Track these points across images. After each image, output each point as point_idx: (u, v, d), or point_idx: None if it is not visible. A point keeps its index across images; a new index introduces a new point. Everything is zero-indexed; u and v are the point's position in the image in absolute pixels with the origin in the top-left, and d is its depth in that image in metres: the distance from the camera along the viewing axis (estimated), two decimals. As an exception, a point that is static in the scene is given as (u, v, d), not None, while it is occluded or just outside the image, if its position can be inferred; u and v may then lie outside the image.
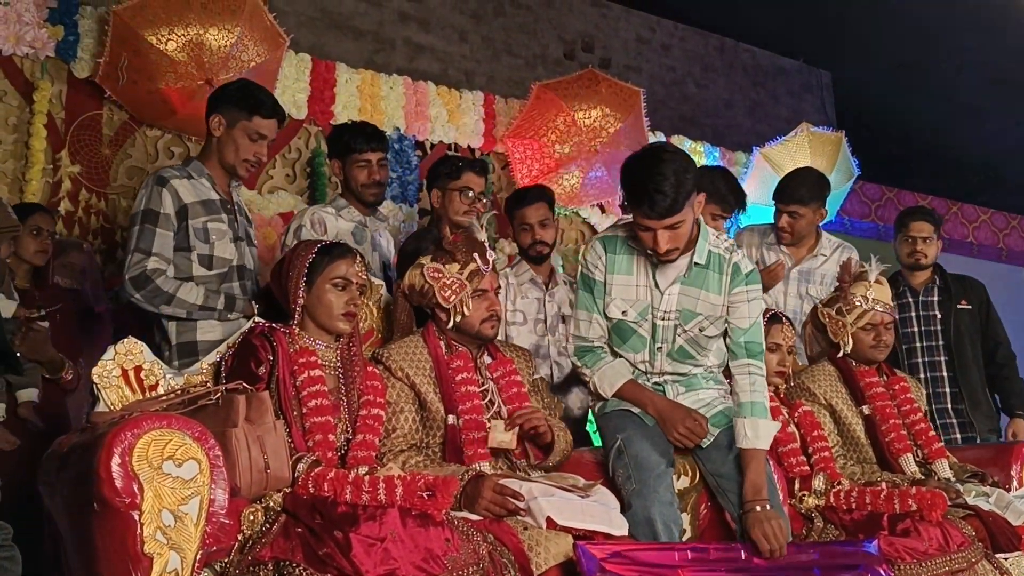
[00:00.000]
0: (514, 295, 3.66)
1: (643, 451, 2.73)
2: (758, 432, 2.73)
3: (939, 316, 4.42)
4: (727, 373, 2.96)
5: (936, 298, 4.46)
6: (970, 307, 4.46)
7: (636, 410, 2.87)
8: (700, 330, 2.85)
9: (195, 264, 3.02)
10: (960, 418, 4.38)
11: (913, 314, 4.47)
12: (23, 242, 3.57)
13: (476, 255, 2.79)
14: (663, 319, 2.87)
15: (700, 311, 2.85)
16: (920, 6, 7.35)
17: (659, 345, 2.89)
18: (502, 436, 2.63)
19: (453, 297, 2.75)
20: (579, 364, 2.99)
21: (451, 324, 2.77)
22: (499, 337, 3.40)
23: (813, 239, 4.14)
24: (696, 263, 2.82)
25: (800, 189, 4.03)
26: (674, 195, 2.62)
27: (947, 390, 4.39)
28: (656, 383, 2.94)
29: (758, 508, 2.62)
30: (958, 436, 4.33)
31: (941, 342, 4.41)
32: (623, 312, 2.88)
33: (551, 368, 3.63)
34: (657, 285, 2.85)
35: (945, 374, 4.40)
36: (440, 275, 2.77)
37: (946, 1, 7.20)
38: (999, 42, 7.88)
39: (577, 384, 3.75)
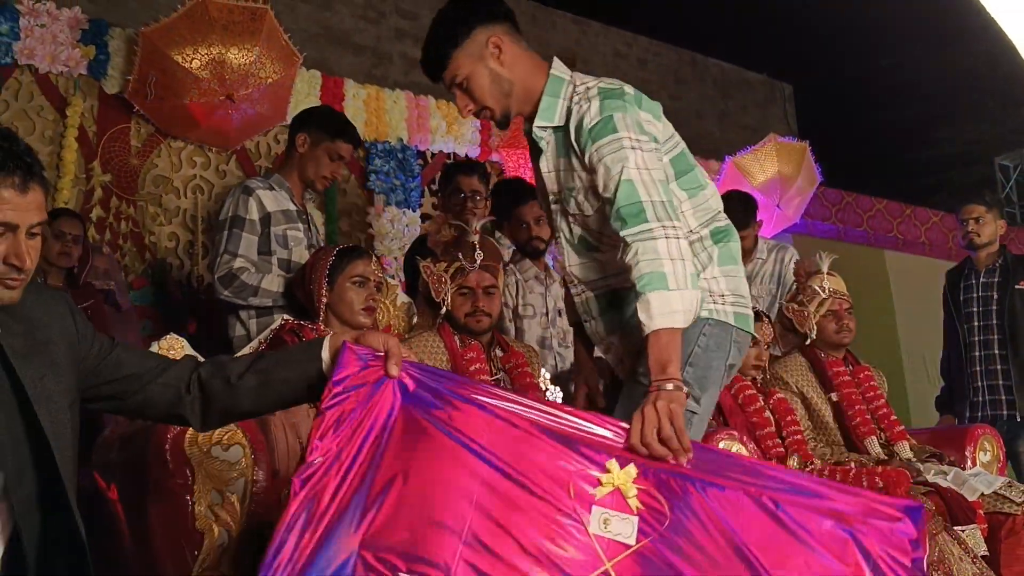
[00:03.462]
0: (523, 290, 3.68)
1: None
2: (649, 309, 1.78)
3: (996, 296, 4.30)
4: None
5: (996, 279, 4.32)
6: None
7: None
8: (579, 208, 2.05)
9: (274, 267, 3.08)
10: (1009, 395, 4.24)
11: (974, 295, 4.36)
12: (47, 244, 3.60)
13: (460, 254, 2.78)
14: (554, 203, 2.10)
15: (575, 183, 2.03)
16: (874, 22, 7.49)
17: (557, 236, 2.14)
18: None
19: (440, 292, 2.80)
20: None
21: (440, 319, 2.81)
22: (511, 332, 3.46)
23: (751, 245, 4.22)
24: (540, 126, 2.04)
25: (740, 216, 3.79)
26: (428, 49, 2.04)
27: (999, 367, 4.25)
28: (580, 296, 2.17)
29: (669, 387, 1.71)
30: (1005, 412, 4.19)
31: (995, 321, 4.28)
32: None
33: (555, 359, 3.69)
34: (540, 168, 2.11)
35: (997, 352, 4.27)
36: (431, 272, 2.82)
37: (899, 18, 7.33)
38: (950, 56, 8.04)
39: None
